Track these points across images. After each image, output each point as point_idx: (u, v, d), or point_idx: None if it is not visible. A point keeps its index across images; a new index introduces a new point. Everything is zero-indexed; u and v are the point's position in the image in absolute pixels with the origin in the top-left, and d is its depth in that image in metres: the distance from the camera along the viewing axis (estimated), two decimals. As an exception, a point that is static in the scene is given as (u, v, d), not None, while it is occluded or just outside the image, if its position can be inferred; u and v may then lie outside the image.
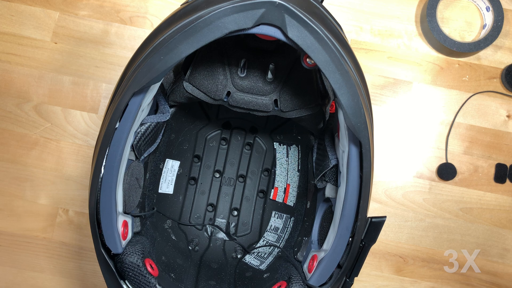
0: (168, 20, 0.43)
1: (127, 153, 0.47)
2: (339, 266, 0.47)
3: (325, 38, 0.38)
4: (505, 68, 0.84)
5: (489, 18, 0.84)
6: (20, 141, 0.81)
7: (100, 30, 0.83)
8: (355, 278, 0.82)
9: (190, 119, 0.73)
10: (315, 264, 0.47)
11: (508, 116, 0.84)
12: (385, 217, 0.39)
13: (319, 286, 0.45)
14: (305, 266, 0.52)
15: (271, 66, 0.57)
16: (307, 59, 0.48)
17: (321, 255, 0.46)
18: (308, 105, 0.59)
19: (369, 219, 0.40)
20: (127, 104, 0.42)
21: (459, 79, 0.85)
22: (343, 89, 0.37)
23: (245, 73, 0.57)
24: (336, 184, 0.52)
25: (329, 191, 0.55)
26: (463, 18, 0.87)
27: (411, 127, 0.85)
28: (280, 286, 0.50)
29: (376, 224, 0.39)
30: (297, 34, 0.38)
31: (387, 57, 0.86)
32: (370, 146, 0.37)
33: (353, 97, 0.37)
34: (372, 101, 0.85)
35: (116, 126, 0.43)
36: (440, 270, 0.83)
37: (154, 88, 0.44)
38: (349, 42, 0.45)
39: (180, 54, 0.39)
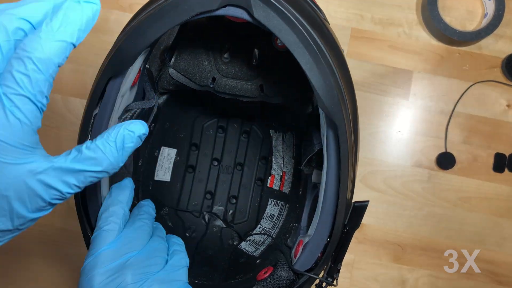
0: (146, 4, 0.43)
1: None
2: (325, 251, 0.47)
3: (292, 18, 0.38)
4: (506, 58, 0.83)
5: (490, 7, 0.83)
6: (21, 128, 0.81)
7: (99, 17, 0.83)
8: (352, 266, 0.82)
9: (185, 107, 0.73)
10: (300, 249, 0.48)
11: (508, 106, 0.84)
12: (368, 201, 0.39)
13: (305, 271, 0.45)
14: (293, 251, 0.52)
15: (255, 51, 0.57)
16: (278, 41, 0.48)
17: (306, 240, 0.46)
18: (294, 89, 0.59)
19: (352, 204, 0.40)
20: (105, 90, 0.42)
21: (459, 68, 0.84)
22: (313, 70, 0.37)
23: (229, 58, 0.57)
24: (321, 169, 0.52)
25: (315, 177, 0.56)
26: (464, 7, 0.86)
27: (410, 116, 0.84)
28: (266, 271, 0.51)
29: (359, 209, 0.39)
30: (263, 15, 0.38)
31: (388, 46, 0.85)
32: (345, 128, 0.37)
33: (324, 78, 0.37)
34: (372, 90, 0.84)
35: (96, 112, 0.43)
36: (438, 259, 0.83)
37: (132, 73, 0.44)
38: (328, 26, 0.44)
39: (149, 38, 0.40)
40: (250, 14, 0.39)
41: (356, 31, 0.85)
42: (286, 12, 0.38)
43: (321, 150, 0.51)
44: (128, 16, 0.82)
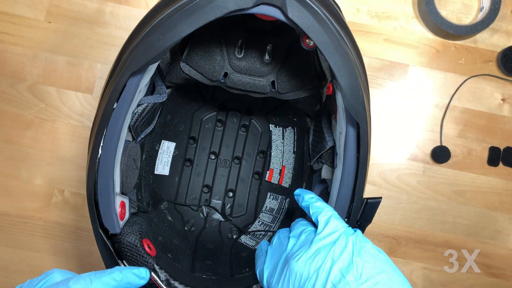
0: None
1: (124, 134, 0.47)
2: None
3: (325, 18, 0.38)
4: (501, 52, 0.84)
5: (486, 0, 0.84)
6: (15, 121, 0.80)
7: (94, 10, 0.82)
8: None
9: (186, 100, 0.72)
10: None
11: (503, 100, 0.85)
12: (381, 198, 0.39)
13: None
14: None
15: (268, 47, 0.57)
16: (307, 40, 0.48)
17: (317, 235, 0.46)
18: (305, 86, 0.59)
19: (365, 200, 0.40)
20: (125, 85, 0.42)
21: (455, 62, 0.85)
22: (342, 70, 0.37)
23: (242, 54, 0.57)
24: (333, 166, 0.53)
25: (325, 173, 0.56)
26: (461, 1, 0.86)
27: (406, 110, 0.85)
28: None
29: (372, 205, 0.39)
30: (297, 15, 0.38)
31: (384, 40, 0.85)
32: (367, 127, 0.37)
33: (351, 78, 0.37)
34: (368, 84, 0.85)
35: (114, 107, 0.43)
36: (433, 251, 0.84)
37: (152, 69, 0.43)
38: (347, 23, 0.45)
39: (179, 33, 0.39)
40: (284, 13, 0.39)
41: (352, 24, 0.85)
42: (320, 13, 0.38)
43: (333, 147, 0.51)
44: (124, 8, 0.82)
